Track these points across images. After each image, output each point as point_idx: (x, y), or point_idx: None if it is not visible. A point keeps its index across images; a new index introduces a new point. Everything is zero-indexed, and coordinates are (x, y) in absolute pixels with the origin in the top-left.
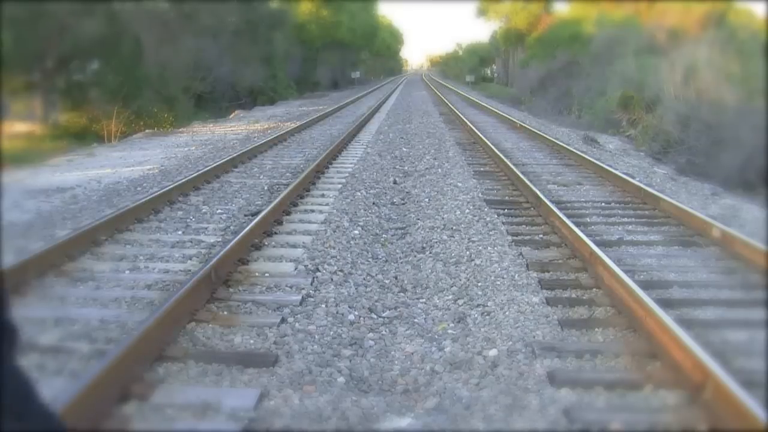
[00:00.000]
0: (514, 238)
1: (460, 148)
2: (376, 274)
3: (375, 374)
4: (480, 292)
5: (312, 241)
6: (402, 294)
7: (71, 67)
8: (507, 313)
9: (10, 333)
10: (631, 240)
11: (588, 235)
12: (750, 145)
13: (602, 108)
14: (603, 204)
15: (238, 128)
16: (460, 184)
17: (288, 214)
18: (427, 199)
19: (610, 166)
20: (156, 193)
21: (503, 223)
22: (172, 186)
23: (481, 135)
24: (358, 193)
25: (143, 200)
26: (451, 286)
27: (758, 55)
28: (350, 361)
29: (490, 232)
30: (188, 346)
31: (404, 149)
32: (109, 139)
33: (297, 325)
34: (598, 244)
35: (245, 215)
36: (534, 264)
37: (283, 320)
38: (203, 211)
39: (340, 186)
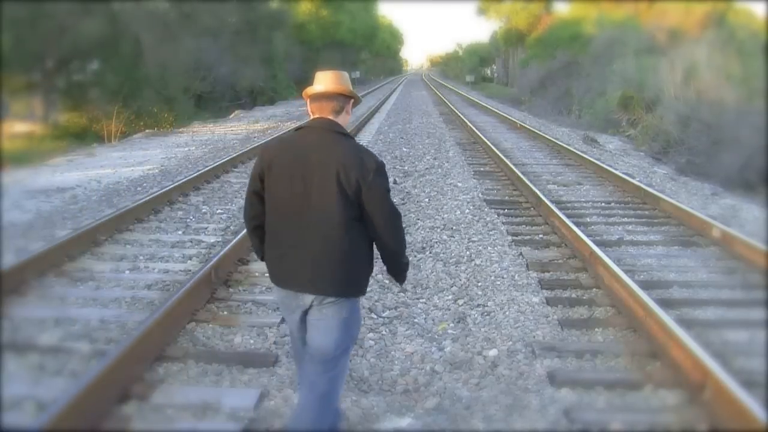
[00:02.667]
0: (514, 238)
1: (460, 148)
2: (376, 274)
3: (375, 374)
4: (480, 292)
5: None
6: (402, 294)
7: (71, 67)
8: (507, 313)
9: None
10: (631, 240)
11: (588, 235)
12: (750, 145)
13: (602, 108)
14: (603, 204)
15: (238, 128)
16: (460, 184)
17: None
18: (427, 199)
19: (610, 166)
20: (156, 193)
21: (503, 223)
22: (172, 186)
23: (481, 135)
24: None
25: (143, 200)
26: (451, 286)
27: (758, 55)
28: (350, 361)
29: (490, 232)
30: (188, 346)
31: (404, 149)
32: (109, 139)
33: None
34: (598, 244)
35: None
36: (534, 264)
37: (284, 320)
38: (203, 211)
39: None
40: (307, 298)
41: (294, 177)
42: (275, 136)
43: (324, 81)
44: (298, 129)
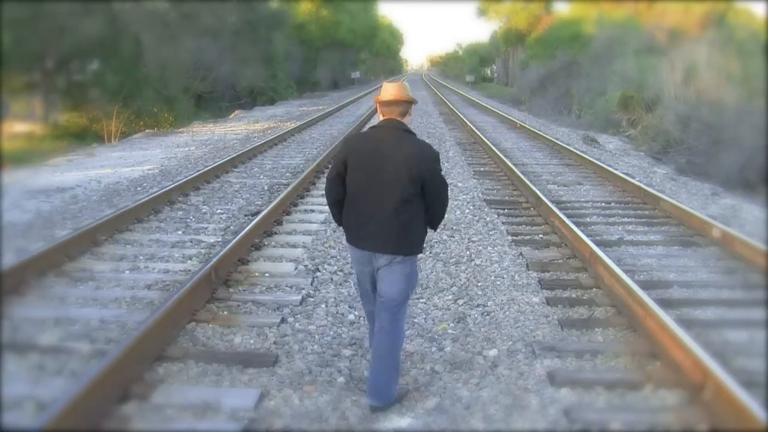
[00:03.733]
0: (514, 238)
1: (460, 148)
2: None
3: None
4: (480, 292)
5: (312, 241)
6: None
7: (71, 67)
8: (507, 313)
9: None
10: (631, 240)
11: (588, 235)
12: (750, 145)
13: (602, 108)
14: (603, 204)
15: (238, 128)
16: (460, 184)
17: (288, 214)
18: None
19: (610, 166)
20: (156, 193)
21: (503, 223)
22: (172, 186)
23: (481, 135)
24: None
25: (143, 200)
26: (451, 286)
27: (758, 55)
28: (350, 361)
29: (490, 232)
30: (188, 346)
31: None
32: (109, 139)
33: (297, 325)
34: (598, 244)
35: (245, 215)
36: (534, 264)
37: (283, 320)
38: (203, 211)
39: None
40: (381, 258)
41: (371, 164)
42: (357, 132)
43: (392, 91)
44: (373, 128)
